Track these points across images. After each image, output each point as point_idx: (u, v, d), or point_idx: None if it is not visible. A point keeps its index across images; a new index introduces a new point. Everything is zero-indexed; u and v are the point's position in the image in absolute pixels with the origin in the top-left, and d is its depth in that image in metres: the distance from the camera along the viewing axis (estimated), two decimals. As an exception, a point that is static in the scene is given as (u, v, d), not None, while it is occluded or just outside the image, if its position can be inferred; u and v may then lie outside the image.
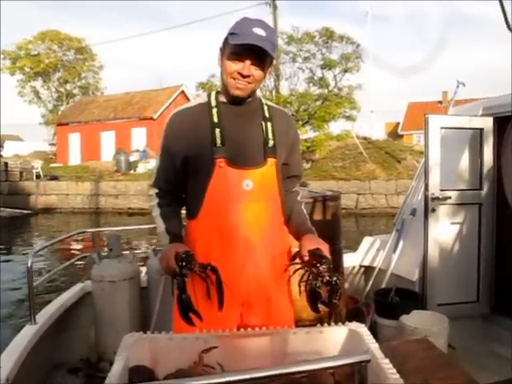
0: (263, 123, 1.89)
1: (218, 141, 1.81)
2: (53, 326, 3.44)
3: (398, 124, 41.89)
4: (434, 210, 3.87)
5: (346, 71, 23.94)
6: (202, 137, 1.83)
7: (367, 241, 4.79)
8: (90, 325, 3.81)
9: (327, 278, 1.61)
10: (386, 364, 1.26)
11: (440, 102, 36.30)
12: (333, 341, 1.50)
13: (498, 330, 3.77)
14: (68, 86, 42.32)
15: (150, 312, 3.70)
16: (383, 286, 4.08)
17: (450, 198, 3.91)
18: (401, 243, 4.22)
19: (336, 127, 24.78)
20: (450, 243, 3.97)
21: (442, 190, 3.89)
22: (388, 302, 3.79)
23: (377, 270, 4.39)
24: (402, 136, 37.61)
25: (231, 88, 1.81)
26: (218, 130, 1.82)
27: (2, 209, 20.66)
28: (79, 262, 4.62)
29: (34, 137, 43.70)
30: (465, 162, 4.02)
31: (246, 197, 1.81)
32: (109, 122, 30.67)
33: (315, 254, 1.69)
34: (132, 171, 23.46)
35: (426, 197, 3.85)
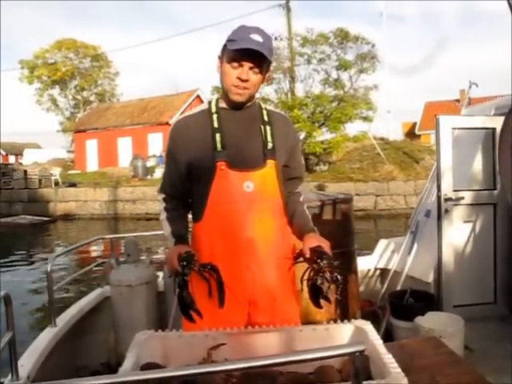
0: (262, 127, 1.95)
1: (219, 145, 1.88)
2: (73, 330, 3.50)
3: (415, 124, 41.53)
4: (447, 211, 3.86)
5: (361, 72, 23.74)
6: (204, 142, 1.90)
7: (382, 243, 4.78)
8: (109, 329, 3.88)
9: (328, 273, 1.64)
10: (388, 359, 1.29)
11: (458, 101, 35.90)
12: (339, 338, 1.53)
13: (517, 331, 3.74)
14: (85, 94, 42.89)
15: (167, 315, 3.75)
16: (398, 288, 4.07)
17: (463, 198, 3.90)
18: (415, 245, 4.21)
19: (352, 128, 24.57)
20: (465, 244, 3.95)
21: (455, 191, 3.88)
22: (403, 304, 3.78)
23: (392, 272, 4.38)
24: (419, 136, 37.29)
25: (231, 93, 1.87)
26: (218, 135, 1.89)
27: (22, 216, 21.00)
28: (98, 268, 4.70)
29: (52, 144, 44.39)
30: (478, 162, 4.01)
31: (248, 198, 1.87)
32: (125, 127, 30.90)
33: (316, 251, 1.73)
34: (149, 176, 23.59)
35: (438, 198, 3.85)
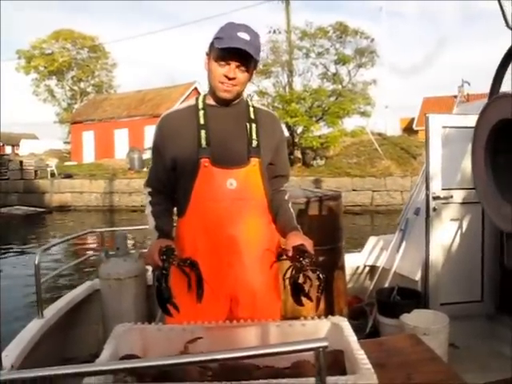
0: (248, 124, 1.96)
1: (204, 142, 1.89)
2: (61, 321, 3.52)
3: (413, 119, 41.43)
4: (435, 209, 3.87)
5: (360, 66, 23.65)
6: (189, 138, 1.91)
7: (372, 240, 4.82)
8: (99, 321, 3.90)
9: (310, 271, 1.67)
10: (360, 355, 1.30)
11: (456, 97, 35.75)
12: (315, 333, 1.54)
13: (503, 329, 3.75)
14: (82, 85, 42.69)
15: (156, 309, 3.76)
16: (386, 285, 4.10)
17: (451, 197, 3.90)
18: (404, 243, 4.24)
19: (350, 123, 24.48)
20: (453, 242, 3.96)
21: (444, 189, 3.89)
22: (390, 301, 3.80)
23: (380, 269, 4.40)
24: (417, 132, 37.23)
25: (218, 91, 1.89)
26: (203, 132, 1.91)
27: (17, 207, 20.94)
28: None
29: (49, 135, 44.20)
30: (468, 160, 4.00)
31: (231, 195, 1.88)
32: (122, 119, 30.78)
33: (298, 249, 1.75)
34: (145, 169, 23.48)
35: (427, 196, 3.86)
